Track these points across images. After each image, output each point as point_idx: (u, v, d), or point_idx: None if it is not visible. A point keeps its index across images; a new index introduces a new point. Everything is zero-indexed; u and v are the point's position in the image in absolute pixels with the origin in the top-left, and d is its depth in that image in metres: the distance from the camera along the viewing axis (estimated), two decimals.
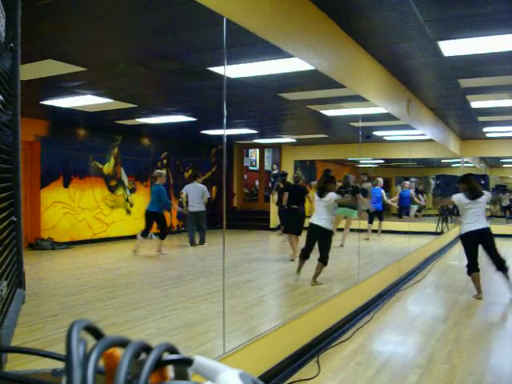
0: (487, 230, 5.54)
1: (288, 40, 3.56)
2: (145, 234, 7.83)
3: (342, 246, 8.39)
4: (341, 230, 8.61)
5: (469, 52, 4.85)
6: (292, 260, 7.06)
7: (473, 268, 5.59)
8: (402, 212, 12.04)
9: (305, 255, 5.64)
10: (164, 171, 8.49)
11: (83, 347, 0.37)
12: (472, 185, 5.58)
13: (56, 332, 3.67)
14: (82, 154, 9.59)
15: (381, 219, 10.18)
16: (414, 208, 12.92)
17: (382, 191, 10.12)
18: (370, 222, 9.91)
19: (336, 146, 11.98)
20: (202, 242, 9.02)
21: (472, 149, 12.87)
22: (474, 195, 5.48)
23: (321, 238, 5.51)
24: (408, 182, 12.11)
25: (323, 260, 5.45)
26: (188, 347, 3.33)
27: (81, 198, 9.56)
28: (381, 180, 10.25)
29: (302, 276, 5.81)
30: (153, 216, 7.79)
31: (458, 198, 5.61)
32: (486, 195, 5.66)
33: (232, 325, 3.60)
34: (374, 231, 9.94)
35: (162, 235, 7.91)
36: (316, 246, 5.60)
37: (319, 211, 5.51)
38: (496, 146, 12.30)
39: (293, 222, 7.23)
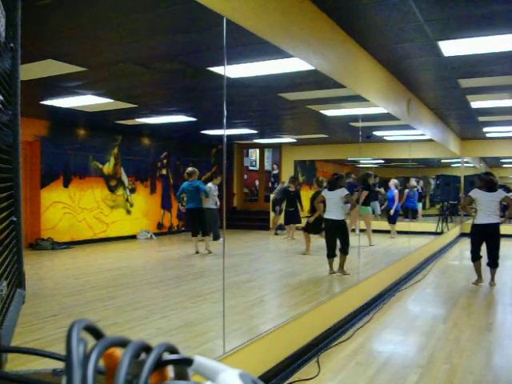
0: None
1: (288, 40, 3.56)
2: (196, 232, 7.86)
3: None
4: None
5: (469, 52, 4.85)
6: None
7: None
8: (408, 213, 12.12)
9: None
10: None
11: (83, 347, 0.37)
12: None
13: (56, 332, 3.67)
14: (82, 153, 9.59)
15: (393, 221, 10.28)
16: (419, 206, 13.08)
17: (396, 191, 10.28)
18: (393, 222, 10.22)
19: (336, 145, 11.98)
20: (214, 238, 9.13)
21: (472, 149, 12.87)
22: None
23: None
24: (414, 182, 12.15)
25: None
26: (188, 347, 3.33)
27: (81, 197, 9.56)
28: (397, 181, 10.40)
29: (302, 276, 5.82)
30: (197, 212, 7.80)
31: None
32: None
33: (232, 325, 3.60)
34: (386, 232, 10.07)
35: (204, 232, 7.86)
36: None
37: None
38: (496, 146, 12.30)
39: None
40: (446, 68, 5.55)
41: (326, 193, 5.93)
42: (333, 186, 5.86)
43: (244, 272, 6.13)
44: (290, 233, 9.79)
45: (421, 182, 12.81)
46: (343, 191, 5.78)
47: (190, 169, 8.03)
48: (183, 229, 10.70)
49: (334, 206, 5.76)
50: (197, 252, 7.77)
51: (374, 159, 13.16)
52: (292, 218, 9.39)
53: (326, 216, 5.88)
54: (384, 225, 10.31)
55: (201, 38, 3.98)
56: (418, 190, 12.24)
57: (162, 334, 3.72)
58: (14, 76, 0.98)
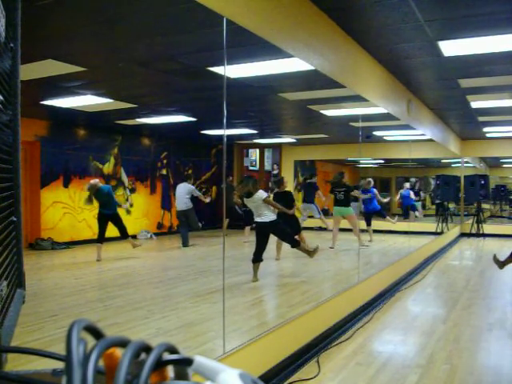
0: None
1: (288, 40, 3.56)
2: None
3: (364, 246, 8.40)
4: (345, 230, 8.64)
5: (469, 52, 4.85)
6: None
7: None
8: (407, 212, 12.16)
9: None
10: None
11: (83, 347, 0.37)
12: None
13: (56, 332, 3.67)
14: (82, 153, 9.59)
15: (383, 216, 9.97)
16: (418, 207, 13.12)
17: (375, 190, 9.89)
18: (368, 224, 9.66)
19: (336, 145, 11.99)
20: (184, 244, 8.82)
21: (472, 149, 12.87)
22: None
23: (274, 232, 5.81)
24: (408, 184, 12.28)
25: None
26: (188, 347, 3.33)
27: (81, 198, 9.55)
28: (371, 180, 10.05)
29: (302, 276, 5.82)
30: (109, 218, 7.40)
31: None
32: None
33: (232, 325, 3.60)
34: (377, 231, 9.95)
35: (124, 235, 7.53)
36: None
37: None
38: (496, 146, 12.30)
39: None
40: (446, 68, 5.55)
41: (246, 200, 5.76)
42: (250, 193, 5.70)
43: (244, 272, 6.12)
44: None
45: (412, 181, 12.97)
46: (262, 194, 5.66)
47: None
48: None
49: (258, 209, 5.66)
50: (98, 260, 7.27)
51: (374, 159, 13.19)
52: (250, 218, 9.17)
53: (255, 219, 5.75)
54: (396, 225, 10.18)
55: (201, 38, 3.98)
56: (410, 188, 12.39)
57: (162, 334, 3.72)
58: (13, 76, 0.98)
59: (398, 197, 12.68)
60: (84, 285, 5.70)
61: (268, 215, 5.66)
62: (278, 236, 6.03)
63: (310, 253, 5.89)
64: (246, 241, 9.18)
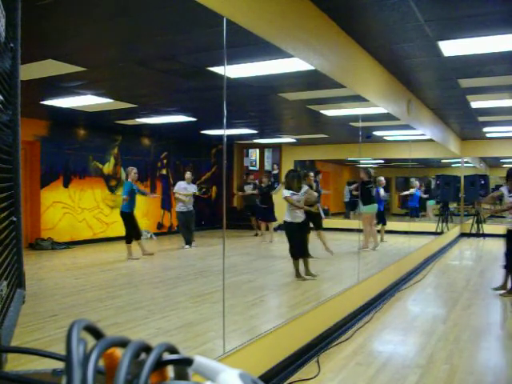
0: None
1: (288, 40, 3.56)
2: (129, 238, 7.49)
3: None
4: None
5: (469, 52, 4.85)
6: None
7: None
8: (413, 213, 12.04)
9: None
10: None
11: (83, 347, 0.37)
12: None
13: (56, 332, 3.67)
14: (82, 153, 9.59)
15: (383, 222, 9.47)
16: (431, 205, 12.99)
17: (381, 190, 9.56)
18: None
19: (336, 145, 11.98)
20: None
21: (472, 149, 12.88)
22: None
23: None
24: (417, 182, 12.04)
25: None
26: (188, 347, 3.33)
27: (81, 197, 9.56)
28: (383, 179, 9.69)
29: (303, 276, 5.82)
30: (125, 216, 7.50)
31: None
32: None
33: (232, 325, 3.60)
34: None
35: (135, 236, 7.54)
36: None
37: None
38: (496, 146, 12.30)
39: None
40: (446, 68, 5.55)
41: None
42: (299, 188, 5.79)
43: (244, 272, 6.13)
44: (268, 234, 9.49)
45: (416, 182, 12.76)
46: (282, 193, 5.76)
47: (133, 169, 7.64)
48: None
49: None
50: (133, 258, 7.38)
51: (374, 159, 13.18)
52: (266, 215, 9.29)
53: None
54: (396, 225, 10.11)
55: (201, 38, 3.98)
56: (418, 189, 12.24)
57: (161, 334, 3.72)
58: (13, 76, 0.98)
59: (406, 193, 12.44)
60: (84, 285, 5.70)
61: (286, 214, 5.79)
62: (288, 239, 5.89)
63: (298, 276, 5.77)
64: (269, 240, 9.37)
